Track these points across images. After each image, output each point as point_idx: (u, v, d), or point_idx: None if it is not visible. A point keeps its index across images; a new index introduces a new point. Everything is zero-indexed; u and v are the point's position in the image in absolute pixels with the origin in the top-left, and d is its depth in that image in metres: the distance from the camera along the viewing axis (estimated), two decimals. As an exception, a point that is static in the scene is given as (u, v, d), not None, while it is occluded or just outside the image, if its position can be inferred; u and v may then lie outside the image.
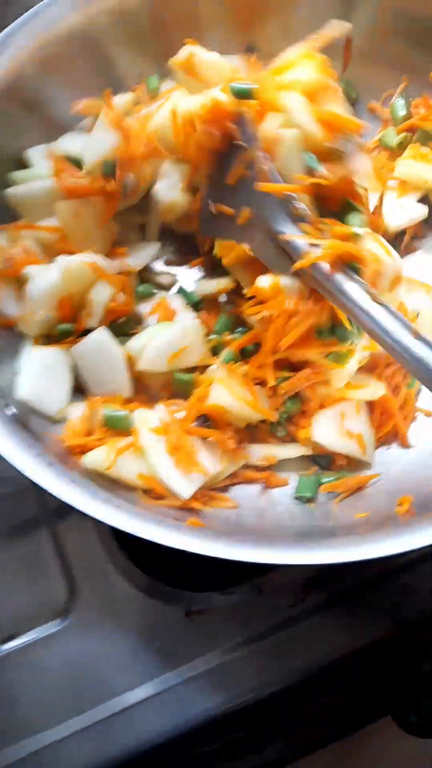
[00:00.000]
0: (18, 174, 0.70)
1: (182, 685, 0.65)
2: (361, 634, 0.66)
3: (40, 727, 0.63)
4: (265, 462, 0.62)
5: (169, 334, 0.62)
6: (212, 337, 0.64)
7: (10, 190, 0.69)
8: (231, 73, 0.73)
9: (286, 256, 0.58)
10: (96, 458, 0.57)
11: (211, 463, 0.59)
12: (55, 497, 0.53)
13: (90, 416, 0.60)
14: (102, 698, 0.64)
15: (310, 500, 0.61)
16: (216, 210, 0.64)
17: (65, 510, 0.70)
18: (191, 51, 0.72)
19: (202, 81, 0.73)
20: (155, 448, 0.57)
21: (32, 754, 0.63)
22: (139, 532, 0.51)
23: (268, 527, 0.59)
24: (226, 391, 0.58)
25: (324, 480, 0.61)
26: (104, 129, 0.67)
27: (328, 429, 0.60)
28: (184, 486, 0.57)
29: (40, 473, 0.53)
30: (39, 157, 0.72)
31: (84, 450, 0.58)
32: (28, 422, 0.60)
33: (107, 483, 0.57)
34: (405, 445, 0.65)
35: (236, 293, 0.69)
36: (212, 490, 0.61)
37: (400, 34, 0.76)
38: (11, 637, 0.66)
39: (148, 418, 0.60)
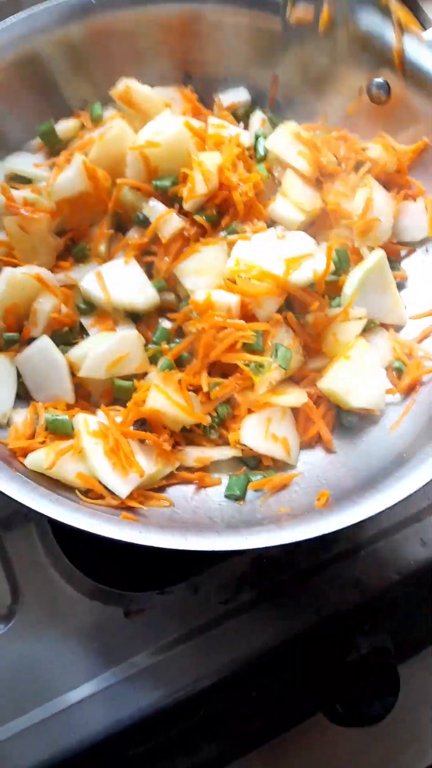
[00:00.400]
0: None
1: (121, 683, 0.67)
2: (288, 626, 0.71)
3: (-23, 731, 0.64)
4: (198, 463, 0.67)
5: (109, 343, 0.66)
6: (150, 346, 0.69)
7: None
8: (164, 106, 0.80)
9: None
10: (37, 459, 0.60)
11: (147, 465, 0.63)
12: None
13: (33, 421, 0.63)
14: (44, 698, 0.66)
15: (239, 498, 0.66)
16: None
17: (11, 520, 0.72)
18: (127, 84, 0.79)
19: (140, 111, 0.80)
20: (94, 451, 0.61)
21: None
22: (74, 522, 0.54)
23: (200, 522, 0.64)
24: (162, 396, 0.62)
25: (252, 478, 0.66)
26: (78, 173, 0.72)
27: (256, 432, 0.65)
28: (121, 486, 0.60)
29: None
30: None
31: (26, 453, 0.61)
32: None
33: (49, 484, 0.60)
34: (329, 448, 0.72)
35: (171, 309, 0.75)
36: (149, 490, 0.65)
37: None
38: None
39: (88, 422, 0.64)
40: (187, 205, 0.73)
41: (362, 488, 0.63)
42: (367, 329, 0.77)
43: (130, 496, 0.63)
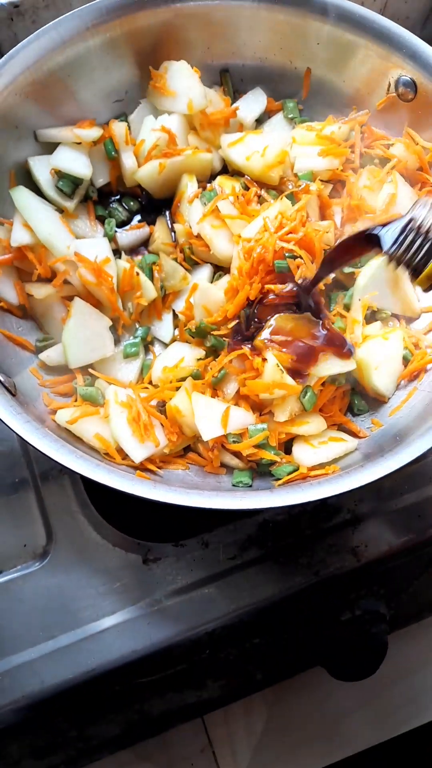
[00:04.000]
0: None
1: (137, 619, 0.76)
2: (289, 583, 0.78)
3: (16, 649, 0.75)
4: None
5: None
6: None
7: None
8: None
9: None
10: (63, 415, 0.70)
11: (163, 438, 0.72)
12: (40, 459, 0.63)
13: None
14: (70, 627, 0.76)
15: (247, 485, 0.73)
16: None
17: (48, 474, 0.82)
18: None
19: (169, 94, 0.86)
20: (118, 417, 0.70)
21: (6, 671, 0.75)
22: (92, 474, 0.63)
23: (209, 485, 0.72)
24: (187, 400, 0.71)
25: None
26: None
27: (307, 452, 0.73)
28: (137, 451, 0.69)
29: (19, 427, 0.65)
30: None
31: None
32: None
33: (77, 443, 0.69)
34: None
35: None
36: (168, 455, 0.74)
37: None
38: (-4, 573, 0.78)
39: (118, 394, 0.73)
40: None
41: (361, 461, 0.70)
42: (382, 320, 0.83)
43: (150, 461, 0.71)
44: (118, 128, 0.88)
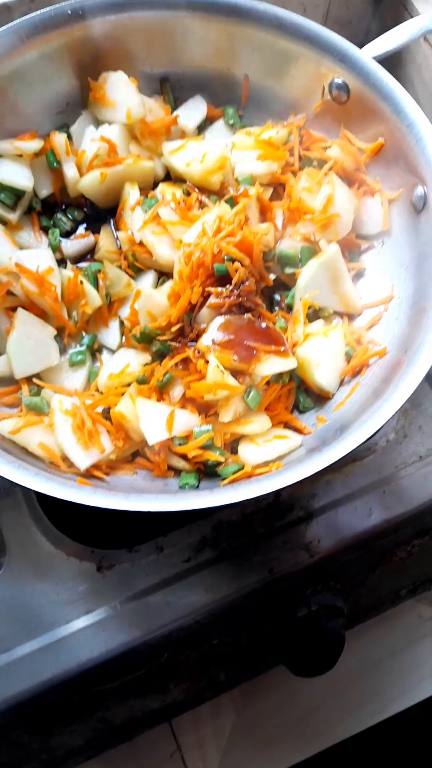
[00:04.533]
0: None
1: (93, 626, 0.76)
2: (244, 582, 0.79)
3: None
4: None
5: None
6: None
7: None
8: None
9: None
10: (5, 426, 0.70)
11: (108, 445, 0.72)
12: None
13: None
14: (25, 638, 0.75)
15: (194, 487, 0.74)
16: None
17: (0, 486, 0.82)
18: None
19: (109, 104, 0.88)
20: (63, 425, 0.70)
21: None
22: (30, 484, 0.63)
23: (155, 489, 0.73)
24: (131, 405, 0.72)
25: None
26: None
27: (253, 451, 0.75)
28: (82, 457, 0.70)
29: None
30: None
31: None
32: None
33: (19, 452, 0.69)
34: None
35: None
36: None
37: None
38: None
39: (62, 402, 0.74)
40: None
41: (306, 455, 0.71)
42: (325, 318, 0.84)
43: (97, 467, 0.72)
44: (59, 139, 0.89)
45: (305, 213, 0.87)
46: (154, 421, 0.72)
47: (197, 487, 0.75)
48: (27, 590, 0.78)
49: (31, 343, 0.78)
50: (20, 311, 0.79)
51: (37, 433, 0.71)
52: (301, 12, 1.05)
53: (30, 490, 0.80)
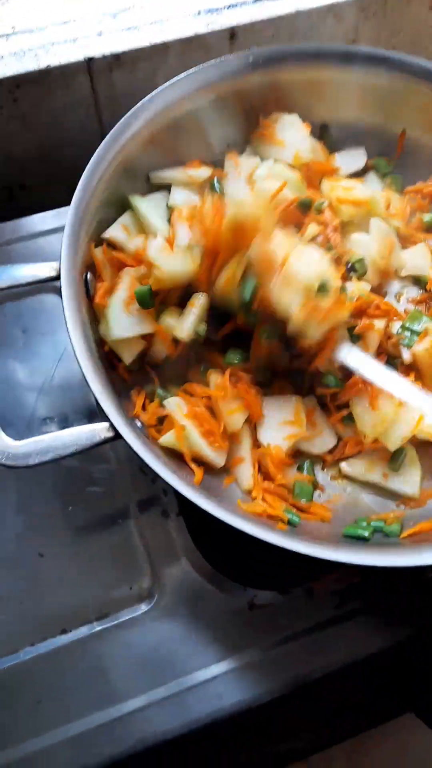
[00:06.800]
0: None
1: (245, 667, 0.77)
2: (390, 634, 0.79)
3: (128, 695, 0.74)
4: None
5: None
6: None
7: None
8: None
9: None
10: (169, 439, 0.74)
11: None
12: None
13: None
14: (179, 674, 0.76)
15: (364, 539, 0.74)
16: None
17: (149, 515, 0.83)
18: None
19: (278, 143, 0.90)
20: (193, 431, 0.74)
21: (117, 719, 0.74)
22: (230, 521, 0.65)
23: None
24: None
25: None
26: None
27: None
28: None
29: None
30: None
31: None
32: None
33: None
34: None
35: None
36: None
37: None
38: (105, 616, 0.78)
39: (180, 407, 0.76)
40: None
41: None
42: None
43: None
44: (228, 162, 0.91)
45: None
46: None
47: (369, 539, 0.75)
48: (180, 623, 0.77)
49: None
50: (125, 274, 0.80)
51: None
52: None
53: (179, 517, 0.82)
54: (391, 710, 0.91)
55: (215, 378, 0.79)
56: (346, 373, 0.80)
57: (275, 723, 0.82)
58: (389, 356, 0.84)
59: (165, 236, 0.82)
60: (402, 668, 0.84)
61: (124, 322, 0.78)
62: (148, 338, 0.81)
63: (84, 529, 0.82)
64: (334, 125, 0.98)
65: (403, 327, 0.83)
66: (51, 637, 0.77)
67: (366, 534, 0.72)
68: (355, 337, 0.81)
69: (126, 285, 0.79)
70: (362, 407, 0.79)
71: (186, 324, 0.79)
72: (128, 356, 0.80)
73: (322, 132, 0.98)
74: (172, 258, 0.79)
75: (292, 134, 0.91)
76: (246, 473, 0.78)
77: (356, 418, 0.80)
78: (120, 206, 0.87)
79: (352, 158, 0.97)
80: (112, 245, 0.84)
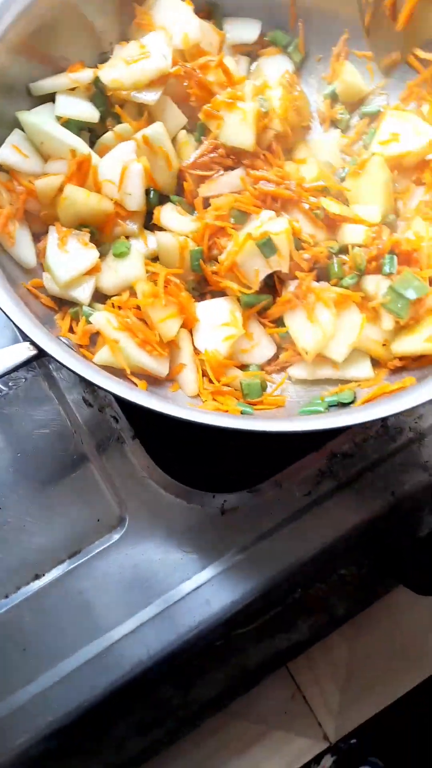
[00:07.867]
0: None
1: (229, 570, 0.75)
2: (366, 510, 0.79)
3: (115, 623, 0.73)
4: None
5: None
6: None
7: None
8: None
9: None
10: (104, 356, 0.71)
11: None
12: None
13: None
14: (163, 591, 0.74)
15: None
16: None
17: (106, 443, 0.79)
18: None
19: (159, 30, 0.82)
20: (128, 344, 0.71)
21: (107, 649, 0.72)
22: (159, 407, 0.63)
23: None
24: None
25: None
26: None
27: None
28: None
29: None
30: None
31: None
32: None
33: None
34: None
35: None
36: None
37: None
38: (76, 553, 0.75)
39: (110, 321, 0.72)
40: None
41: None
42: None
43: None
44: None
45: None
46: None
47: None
48: (155, 542, 0.75)
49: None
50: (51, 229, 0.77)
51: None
52: None
53: (137, 440, 0.79)
54: (382, 587, 0.92)
55: (143, 287, 0.75)
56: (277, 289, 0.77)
57: (271, 618, 0.82)
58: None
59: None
60: (383, 541, 0.84)
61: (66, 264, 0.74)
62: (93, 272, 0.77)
63: (39, 472, 0.79)
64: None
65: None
66: (25, 585, 0.74)
67: (321, 409, 0.71)
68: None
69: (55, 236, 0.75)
70: (299, 323, 0.75)
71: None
72: (85, 297, 0.76)
73: (210, 10, 0.91)
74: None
75: (173, 16, 0.84)
76: (190, 378, 0.74)
77: (294, 335, 0.75)
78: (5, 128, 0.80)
79: (245, 28, 0.90)
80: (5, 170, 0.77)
